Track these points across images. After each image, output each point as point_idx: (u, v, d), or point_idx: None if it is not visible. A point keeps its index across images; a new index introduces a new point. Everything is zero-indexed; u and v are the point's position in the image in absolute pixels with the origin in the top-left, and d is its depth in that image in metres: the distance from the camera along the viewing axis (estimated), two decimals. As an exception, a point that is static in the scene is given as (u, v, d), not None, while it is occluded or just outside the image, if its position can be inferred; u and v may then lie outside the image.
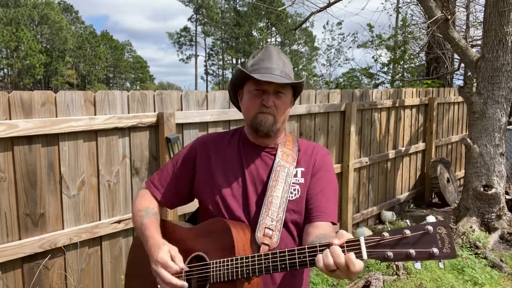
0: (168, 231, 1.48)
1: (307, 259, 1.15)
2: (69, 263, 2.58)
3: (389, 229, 1.05)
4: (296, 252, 1.17)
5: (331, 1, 6.25)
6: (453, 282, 3.54)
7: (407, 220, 1.13)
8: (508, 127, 4.98)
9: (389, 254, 1.03)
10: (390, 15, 10.95)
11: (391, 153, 5.48)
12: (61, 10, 55.17)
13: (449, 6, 7.03)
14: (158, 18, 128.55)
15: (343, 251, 1.07)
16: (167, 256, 1.29)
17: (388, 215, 5.37)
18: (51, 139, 2.46)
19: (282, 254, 1.19)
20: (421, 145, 6.11)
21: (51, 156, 2.47)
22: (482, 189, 4.72)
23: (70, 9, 59.18)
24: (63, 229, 2.54)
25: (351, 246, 1.08)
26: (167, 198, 1.53)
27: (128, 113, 2.81)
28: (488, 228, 4.69)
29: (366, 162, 5.01)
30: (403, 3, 10.33)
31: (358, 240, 1.08)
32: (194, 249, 1.38)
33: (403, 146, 5.76)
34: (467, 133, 5.44)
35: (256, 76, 1.35)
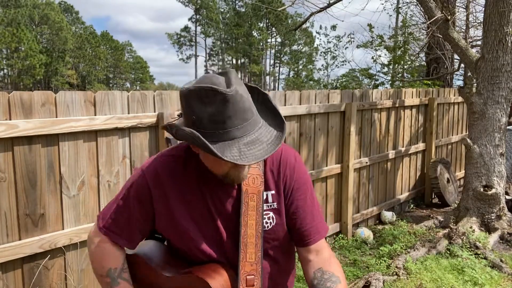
0: (143, 277, 1.35)
1: None
2: (69, 263, 2.58)
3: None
4: None
5: (331, 2, 6.25)
6: (453, 282, 3.54)
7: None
8: (508, 127, 4.98)
9: None
10: (390, 16, 10.97)
11: (391, 153, 5.48)
12: (62, 11, 55.19)
13: (449, 7, 7.03)
14: (161, 19, 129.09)
15: None
16: None
17: (388, 215, 5.37)
18: (51, 139, 2.46)
19: None
20: (421, 145, 6.11)
21: (51, 156, 2.47)
22: (482, 189, 4.72)
23: (71, 10, 59.22)
24: (63, 229, 2.55)
25: None
26: (133, 243, 1.33)
27: (128, 113, 2.81)
28: (488, 228, 4.69)
29: (366, 162, 5.02)
30: (403, 3, 10.35)
31: None
32: None
33: (403, 146, 5.76)
34: (467, 133, 5.44)
35: (238, 161, 1.06)
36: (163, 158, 1.31)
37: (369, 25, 9.95)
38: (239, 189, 1.27)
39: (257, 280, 1.25)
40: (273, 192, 1.30)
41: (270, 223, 1.29)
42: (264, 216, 1.28)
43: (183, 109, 1.15)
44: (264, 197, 1.28)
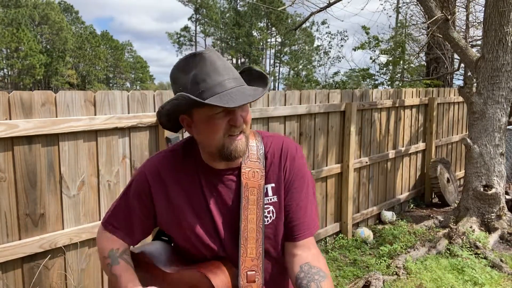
0: (144, 273, 1.34)
1: None
2: (69, 263, 2.58)
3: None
4: None
5: (331, 1, 6.25)
6: (453, 282, 3.54)
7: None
8: (508, 127, 4.98)
9: None
10: (390, 16, 10.96)
11: (391, 153, 5.48)
12: (61, 10, 55.19)
13: (449, 6, 7.03)
14: (164, 19, 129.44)
15: None
16: None
17: (388, 215, 5.37)
18: (51, 139, 2.46)
19: None
20: (421, 145, 6.11)
21: (51, 156, 2.47)
22: (482, 189, 4.72)
23: (70, 9, 59.21)
24: (63, 229, 2.55)
25: None
26: (135, 238, 1.34)
27: (128, 113, 2.81)
28: (488, 228, 4.69)
29: (366, 162, 5.02)
30: (403, 3, 10.35)
31: None
32: None
33: (403, 146, 5.76)
34: (467, 133, 5.44)
35: (223, 103, 1.08)
36: (162, 153, 1.33)
37: (364, 27, 9.97)
38: (239, 183, 1.26)
39: (258, 276, 1.23)
40: (273, 185, 1.29)
41: (270, 217, 1.27)
42: (264, 210, 1.25)
43: (173, 91, 1.21)
44: (264, 191, 1.26)
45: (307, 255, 1.26)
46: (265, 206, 1.26)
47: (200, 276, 1.19)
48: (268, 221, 1.27)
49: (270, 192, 1.28)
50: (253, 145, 1.30)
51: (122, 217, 1.33)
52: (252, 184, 1.25)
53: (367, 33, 9.97)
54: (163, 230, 1.38)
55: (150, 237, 1.49)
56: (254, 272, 1.22)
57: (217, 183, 1.26)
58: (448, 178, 6.20)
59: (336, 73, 12.20)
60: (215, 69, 1.13)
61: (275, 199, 1.28)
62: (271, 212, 1.27)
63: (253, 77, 1.26)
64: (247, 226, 1.23)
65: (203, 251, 1.27)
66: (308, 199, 1.32)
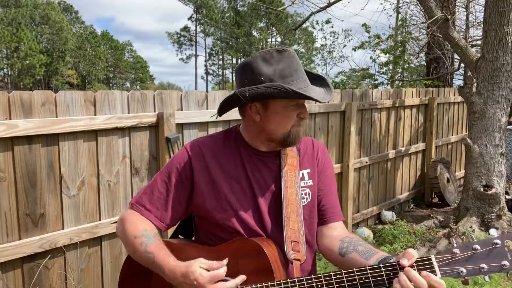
0: (179, 254, 1.26)
1: (371, 280, 1.09)
2: (69, 263, 2.58)
3: (455, 244, 1.08)
4: (356, 274, 1.10)
5: (331, 1, 6.25)
6: (453, 282, 3.54)
7: (473, 235, 1.13)
8: (508, 127, 4.98)
9: (462, 270, 1.05)
10: (390, 16, 10.96)
11: (391, 153, 5.48)
12: (61, 10, 55.18)
13: (449, 6, 7.03)
14: (165, 20, 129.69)
15: (416, 270, 1.05)
16: (206, 267, 1.14)
17: (388, 215, 5.37)
18: (51, 139, 2.46)
19: (339, 277, 1.10)
20: (421, 145, 6.11)
21: (51, 156, 2.47)
22: (482, 189, 4.72)
23: (70, 9, 59.19)
24: (63, 229, 2.55)
25: (423, 265, 1.07)
26: (165, 221, 1.32)
27: (128, 113, 2.81)
28: (488, 228, 4.68)
29: (366, 162, 5.02)
30: (403, 3, 10.34)
31: (430, 259, 1.07)
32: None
33: (403, 146, 5.76)
34: (467, 133, 5.44)
35: (314, 96, 1.24)
36: (203, 138, 1.40)
37: (364, 24, 9.94)
38: (279, 165, 1.34)
39: (301, 247, 1.28)
40: (308, 170, 1.39)
41: (307, 199, 1.36)
42: (302, 192, 1.34)
43: (242, 80, 1.28)
44: (301, 175, 1.37)
45: (343, 233, 1.34)
46: (302, 188, 1.35)
47: (252, 245, 1.22)
48: (304, 202, 1.35)
49: (306, 176, 1.38)
50: None
51: (156, 198, 1.31)
52: (290, 167, 1.35)
53: (368, 32, 9.95)
54: (197, 212, 1.35)
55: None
56: (297, 243, 1.28)
57: (258, 163, 1.34)
58: (448, 178, 6.20)
59: (340, 73, 12.18)
60: (299, 67, 1.27)
61: (311, 182, 1.38)
62: (307, 194, 1.36)
63: (310, 77, 1.35)
64: (288, 202, 1.30)
65: (242, 230, 1.29)
66: (335, 188, 1.45)
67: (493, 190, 4.67)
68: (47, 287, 2.50)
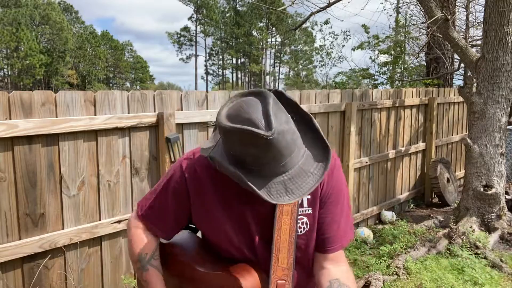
0: (175, 268, 1.38)
1: None
2: (69, 263, 2.58)
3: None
4: None
5: (331, 1, 6.26)
6: (453, 282, 3.54)
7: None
8: (508, 127, 4.98)
9: None
10: (390, 16, 10.96)
11: (391, 153, 5.48)
12: (61, 10, 55.17)
13: (449, 6, 7.03)
14: (166, 20, 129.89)
15: None
16: None
17: (388, 215, 5.37)
18: (51, 139, 2.46)
19: None
20: (421, 145, 6.11)
21: (51, 156, 2.47)
22: (482, 189, 4.72)
23: (70, 9, 59.20)
24: (63, 229, 2.55)
25: None
26: (168, 233, 1.38)
27: (128, 113, 2.81)
28: (488, 228, 4.69)
29: (366, 162, 5.02)
30: (403, 3, 10.34)
31: None
32: None
33: (403, 146, 5.76)
34: (467, 133, 5.44)
35: (286, 201, 1.07)
36: (200, 160, 1.31)
37: (364, 25, 9.95)
38: None
39: (288, 286, 1.24)
40: (309, 197, 1.29)
41: (304, 228, 1.29)
42: (298, 221, 1.27)
43: (222, 139, 1.14)
44: (300, 201, 1.28)
45: (337, 271, 1.27)
46: (299, 217, 1.27)
47: (231, 279, 1.22)
48: (301, 231, 1.28)
49: (305, 204, 1.29)
50: None
51: (159, 211, 1.36)
52: None
53: (367, 32, 9.97)
54: (200, 231, 1.41)
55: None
56: (284, 281, 1.24)
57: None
58: (448, 178, 6.20)
59: (339, 73, 12.20)
60: (280, 151, 1.06)
61: (309, 211, 1.29)
62: (304, 223, 1.29)
63: (308, 134, 1.18)
64: (280, 236, 1.25)
65: (235, 254, 1.30)
66: (343, 212, 1.33)
67: (493, 190, 4.67)
68: (47, 287, 2.51)
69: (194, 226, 1.47)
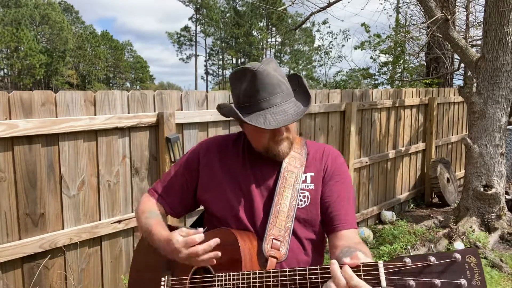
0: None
1: (319, 280, 1.06)
2: (69, 263, 2.58)
3: (411, 253, 0.97)
4: (307, 272, 1.08)
5: (331, 1, 6.25)
6: (453, 282, 3.54)
7: (431, 245, 1.04)
8: (508, 127, 4.98)
9: (411, 283, 0.93)
10: (390, 16, 10.95)
11: (391, 153, 5.48)
12: (61, 10, 55.17)
13: (449, 6, 7.03)
14: (167, 20, 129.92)
15: (359, 276, 0.98)
16: (184, 234, 1.21)
17: (388, 215, 5.37)
18: (51, 139, 2.46)
19: (292, 273, 1.10)
20: (421, 145, 6.11)
21: (51, 156, 2.47)
22: (482, 189, 4.72)
23: (70, 9, 59.20)
24: (63, 229, 2.55)
25: (368, 271, 0.98)
26: (173, 206, 1.47)
27: (128, 113, 2.81)
28: (488, 228, 4.69)
29: (366, 162, 5.02)
30: (403, 3, 10.35)
31: (376, 265, 0.97)
32: None
33: (403, 146, 5.76)
34: (467, 133, 5.44)
35: (262, 124, 1.21)
36: (217, 136, 1.53)
37: (364, 24, 9.94)
38: (281, 165, 1.36)
39: (283, 247, 1.26)
40: (312, 174, 1.38)
41: (304, 202, 1.34)
42: (300, 195, 1.33)
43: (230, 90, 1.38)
44: (303, 178, 1.36)
45: (349, 243, 1.26)
46: (302, 190, 1.34)
47: (229, 236, 1.25)
48: (302, 204, 1.33)
49: (308, 180, 1.37)
50: (298, 141, 1.42)
51: (168, 186, 1.48)
52: (292, 168, 1.36)
53: (367, 31, 9.96)
54: (201, 203, 1.47)
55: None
56: (279, 242, 1.27)
57: (261, 163, 1.38)
58: (448, 178, 6.20)
59: (338, 72, 12.21)
60: (265, 85, 1.25)
61: (312, 186, 1.36)
62: (306, 197, 1.34)
63: (300, 88, 1.36)
64: (280, 201, 1.31)
65: (234, 223, 1.33)
66: (350, 197, 1.39)
67: (493, 190, 4.67)
68: (47, 287, 2.51)
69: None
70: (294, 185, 1.33)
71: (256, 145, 1.35)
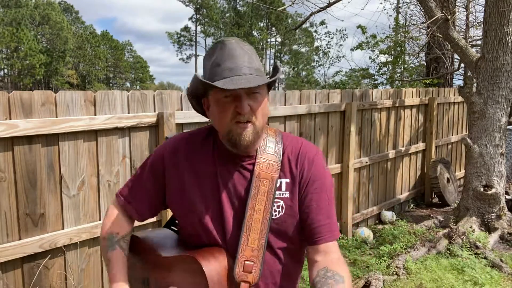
0: (142, 255, 1.35)
1: None
2: (69, 263, 2.58)
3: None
4: None
5: (331, 1, 6.25)
6: (453, 282, 3.54)
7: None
8: (508, 127, 4.99)
9: None
10: (390, 16, 10.96)
11: (391, 153, 5.48)
12: (61, 10, 55.17)
13: (449, 6, 7.03)
14: (168, 20, 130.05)
15: None
16: None
17: (388, 215, 5.37)
18: (51, 139, 2.46)
19: None
20: (421, 145, 6.11)
21: (51, 156, 2.47)
22: (482, 189, 4.72)
23: (70, 9, 59.20)
24: (63, 229, 2.55)
25: None
26: (141, 213, 1.37)
27: (128, 113, 2.81)
28: (488, 228, 4.69)
29: (366, 162, 5.02)
30: (403, 3, 10.35)
31: None
32: (167, 281, 1.23)
33: (403, 146, 5.76)
34: (467, 133, 5.44)
35: (221, 84, 1.12)
36: (184, 134, 1.38)
37: (360, 26, 9.98)
38: (252, 172, 1.24)
39: (256, 268, 1.18)
40: (287, 180, 1.26)
41: (279, 212, 1.24)
42: (274, 204, 1.23)
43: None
44: (278, 184, 1.24)
45: (326, 260, 1.20)
46: (276, 200, 1.24)
47: (192, 261, 1.16)
48: (276, 215, 1.23)
49: (283, 187, 1.25)
50: (272, 140, 1.30)
51: (134, 190, 1.37)
52: (265, 175, 1.24)
53: (364, 33, 9.99)
54: (170, 209, 1.38)
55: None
56: (252, 263, 1.19)
57: (231, 169, 1.26)
58: (448, 178, 6.20)
59: (337, 72, 12.22)
60: (232, 55, 1.19)
61: (287, 194, 1.25)
62: (280, 207, 1.24)
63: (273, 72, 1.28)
64: (253, 215, 1.21)
65: (203, 236, 1.25)
66: (330, 202, 1.28)
67: (493, 190, 4.67)
68: (47, 287, 2.51)
69: (176, 229, 1.44)
70: (267, 194, 1.22)
71: (219, 126, 1.23)
